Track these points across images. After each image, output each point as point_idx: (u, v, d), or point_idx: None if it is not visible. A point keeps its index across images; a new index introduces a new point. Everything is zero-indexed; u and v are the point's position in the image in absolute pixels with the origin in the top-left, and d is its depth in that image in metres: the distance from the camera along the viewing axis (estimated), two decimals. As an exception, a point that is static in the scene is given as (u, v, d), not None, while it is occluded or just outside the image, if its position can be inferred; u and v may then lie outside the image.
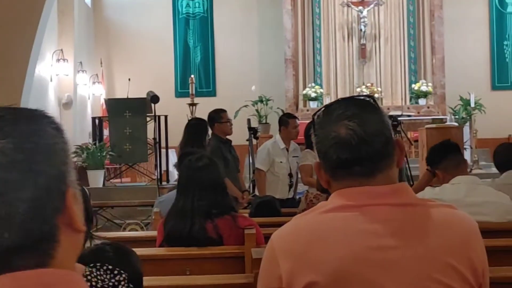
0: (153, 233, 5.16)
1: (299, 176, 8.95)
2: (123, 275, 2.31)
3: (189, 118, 14.03)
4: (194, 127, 8.11)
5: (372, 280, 1.93)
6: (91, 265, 2.25)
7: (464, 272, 1.98)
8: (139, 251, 4.39)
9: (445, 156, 5.15)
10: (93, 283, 2.21)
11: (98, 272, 2.24)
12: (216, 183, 4.42)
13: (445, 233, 2.01)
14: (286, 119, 8.87)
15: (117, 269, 2.31)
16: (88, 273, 2.20)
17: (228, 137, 8.70)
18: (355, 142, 2.00)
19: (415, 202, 2.07)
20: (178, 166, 6.46)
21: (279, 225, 5.40)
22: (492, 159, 16.13)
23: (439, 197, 4.85)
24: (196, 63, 19.42)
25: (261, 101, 17.62)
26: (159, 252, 4.41)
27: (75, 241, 1.22)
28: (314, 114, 2.16)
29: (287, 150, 8.78)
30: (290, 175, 8.81)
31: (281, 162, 8.72)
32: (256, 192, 9.02)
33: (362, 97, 2.17)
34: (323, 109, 2.13)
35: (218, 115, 8.62)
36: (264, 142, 9.33)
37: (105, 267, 2.28)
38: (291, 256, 1.98)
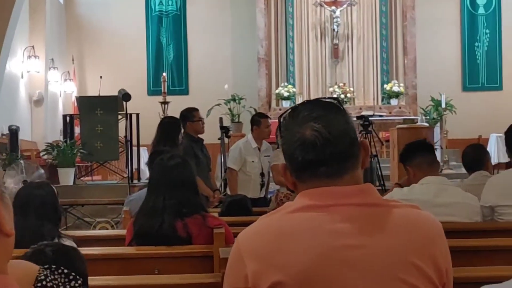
0: (123, 231, 5.14)
1: (271, 175, 8.99)
2: (79, 281, 2.29)
3: (162, 117, 14.06)
4: (167, 125, 8.09)
5: (338, 279, 1.95)
6: (46, 266, 2.22)
7: (428, 271, 2.01)
8: (108, 250, 4.40)
9: (420, 153, 5.18)
10: (48, 287, 2.18)
11: (53, 276, 2.21)
12: (187, 182, 4.42)
13: (410, 233, 2.03)
14: (258, 119, 8.91)
15: (73, 273, 2.29)
16: (43, 277, 2.17)
17: (200, 135, 8.70)
18: (320, 143, 2.02)
19: (380, 203, 2.09)
20: (149, 164, 6.46)
21: (250, 224, 5.39)
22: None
23: (407, 197, 4.88)
24: (168, 61, 19.38)
25: (234, 99, 17.61)
26: (128, 251, 4.39)
27: (4, 244, 1.21)
28: (280, 116, 2.18)
29: (259, 149, 8.82)
30: (262, 174, 8.86)
31: (252, 161, 8.76)
32: (228, 191, 9.03)
33: (327, 99, 2.18)
34: (289, 111, 2.15)
35: (190, 114, 8.61)
36: (236, 142, 9.34)
37: (60, 270, 2.26)
38: (257, 256, 2.00)
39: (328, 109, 2.08)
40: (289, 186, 2.17)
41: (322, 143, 2.02)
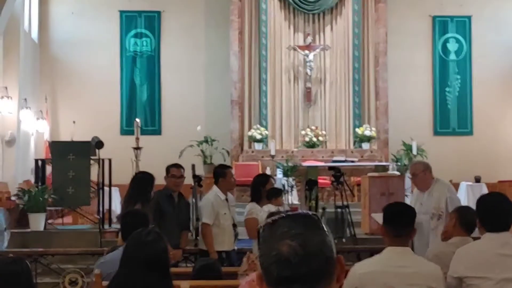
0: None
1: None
2: None
3: (134, 161, 14.07)
4: (139, 181, 8.14)
5: None
6: None
7: None
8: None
9: (394, 225, 5.15)
10: None
11: None
12: (160, 261, 4.41)
13: None
14: (224, 170, 8.92)
15: None
16: None
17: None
18: (295, 262, 2.07)
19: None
20: (121, 225, 6.44)
21: (221, 288, 5.34)
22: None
23: (368, 269, 4.94)
24: (142, 101, 19.42)
25: (206, 141, 17.62)
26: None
27: None
28: (260, 227, 2.21)
29: (227, 200, 8.84)
30: (234, 225, 8.85)
31: (225, 213, 8.76)
32: (200, 243, 8.97)
33: (307, 215, 2.22)
34: (269, 222, 2.18)
35: (168, 169, 8.70)
36: (205, 196, 9.29)
37: None
38: None
39: (305, 227, 2.13)
40: (264, 296, 2.21)
41: (297, 262, 2.07)
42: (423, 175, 8.60)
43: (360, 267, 5.12)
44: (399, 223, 5.11)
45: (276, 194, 8.77)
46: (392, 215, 5.21)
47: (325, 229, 2.19)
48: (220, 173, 8.88)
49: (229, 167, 9.28)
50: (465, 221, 6.24)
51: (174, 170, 8.66)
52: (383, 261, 5.07)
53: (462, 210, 6.40)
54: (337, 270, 2.17)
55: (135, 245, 4.52)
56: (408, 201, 15.07)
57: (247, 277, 4.51)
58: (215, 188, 8.88)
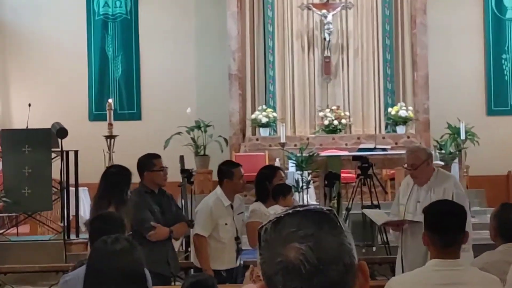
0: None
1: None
2: None
3: (107, 153, 14.09)
4: (112, 177, 8.10)
5: None
6: None
7: None
8: None
9: (440, 232, 5.06)
10: None
11: None
12: (135, 275, 4.40)
13: None
14: (229, 169, 8.80)
15: None
16: None
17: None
18: (305, 270, 2.06)
19: None
20: (89, 233, 6.45)
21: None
22: (487, 203, 16.22)
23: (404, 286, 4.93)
24: (116, 77, 19.43)
25: (199, 127, 17.67)
26: None
27: None
28: (261, 228, 2.20)
29: (232, 207, 8.74)
30: (237, 238, 8.76)
31: (226, 224, 8.66)
32: (195, 262, 8.94)
33: (319, 210, 2.21)
34: (272, 222, 2.17)
35: (149, 161, 8.61)
36: (204, 199, 9.21)
37: None
38: None
39: (319, 226, 2.11)
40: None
41: (309, 271, 2.06)
42: (425, 165, 8.36)
43: (397, 284, 5.07)
44: (447, 229, 5.00)
45: (283, 191, 8.71)
46: (438, 218, 5.10)
47: (343, 228, 2.18)
48: (226, 173, 8.74)
49: (238, 165, 9.11)
50: (506, 230, 6.01)
51: (159, 162, 8.63)
52: (426, 277, 4.98)
53: (500, 217, 6.10)
54: (359, 280, 2.16)
55: (99, 256, 4.50)
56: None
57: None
58: (218, 190, 8.76)
